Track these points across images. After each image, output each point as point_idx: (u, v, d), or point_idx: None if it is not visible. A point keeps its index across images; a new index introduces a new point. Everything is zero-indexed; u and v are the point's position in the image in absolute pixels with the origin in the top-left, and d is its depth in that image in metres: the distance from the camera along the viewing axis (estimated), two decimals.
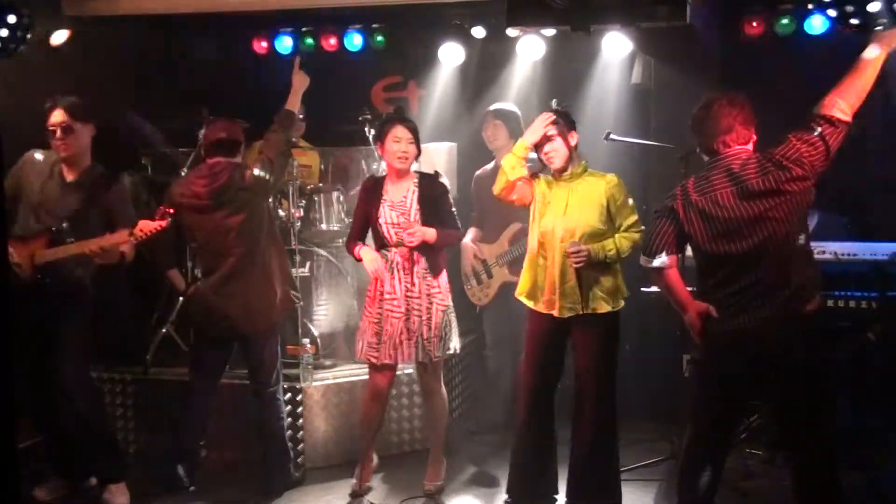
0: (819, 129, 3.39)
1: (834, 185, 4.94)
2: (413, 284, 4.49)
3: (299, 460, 5.04)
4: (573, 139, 4.24)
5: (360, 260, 4.54)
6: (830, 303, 4.56)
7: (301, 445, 5.11)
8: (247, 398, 4.89)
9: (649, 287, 5.26)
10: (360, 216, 4.60)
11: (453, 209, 4.60)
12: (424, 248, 4.49)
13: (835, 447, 3.57)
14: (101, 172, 4.51)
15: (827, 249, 4.65)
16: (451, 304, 4.64)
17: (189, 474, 4.76)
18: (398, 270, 4.49)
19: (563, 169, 4.24)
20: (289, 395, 5.07)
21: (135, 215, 4.67)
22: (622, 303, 4.26)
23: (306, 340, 5.22)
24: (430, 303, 4.51)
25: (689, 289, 3.72)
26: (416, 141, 4.51)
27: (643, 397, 5.49)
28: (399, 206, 4.50)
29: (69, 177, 4.44)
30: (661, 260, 3.62)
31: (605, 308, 4.18)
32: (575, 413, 4.32)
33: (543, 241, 4.23)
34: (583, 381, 4.26)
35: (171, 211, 4.38)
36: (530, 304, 4.31)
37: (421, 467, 4.84)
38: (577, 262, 4.08)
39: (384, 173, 4.70)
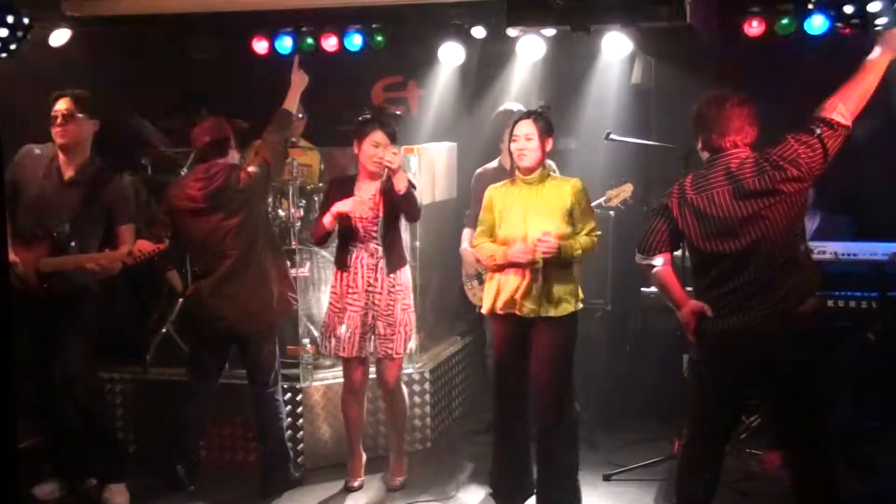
0: (818, 131, 3.38)
1: (835, 184, 4.96)
2: (376, 280, 4.56)
3: (299, 460, 5.04)
4: (549, 145, 4.25)
5: (330, 231, 4.58)
6: (830, 303, 4.56)
7: (301, 445, 5.10)
8: (246, 398, 4.89)
9: (650, 288, 5.26)
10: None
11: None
12: (387, 243, 4.58)
13: (832, 447, 3.58)
14: (99, 168, 4.50)
15: (827, 249, 4.65)
16: (412, 303, 4.70)
17: (189, 474, 4.76)
18: (361, 266, 4.55)
19: (531, 170, 4.24)
20: (289, 395, 5.06)
21: (134, 212, 4.69)
22: (580, 305, 4.26)
23: (306, 340, 5.22)
24: (393, 300, 4.58)
25: (688, 289, 3.72)
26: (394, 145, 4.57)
27: (643, 397, 5.49)
28: (368, 202, 4.57)
29: (67, 173, 4.42)
30: (654, 257, 3.63)
31: (566, 310, 4.18)
32: (536, 417, 4.31)
33: (509, 244, 4.22)
34: (537, 382, 4.25)
35: (169, 234, 4.51)
36: (487, 306, 4.33)
37: (420, 468, 4.85)
38: (545, 252, 4.07)
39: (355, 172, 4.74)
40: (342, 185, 4.66)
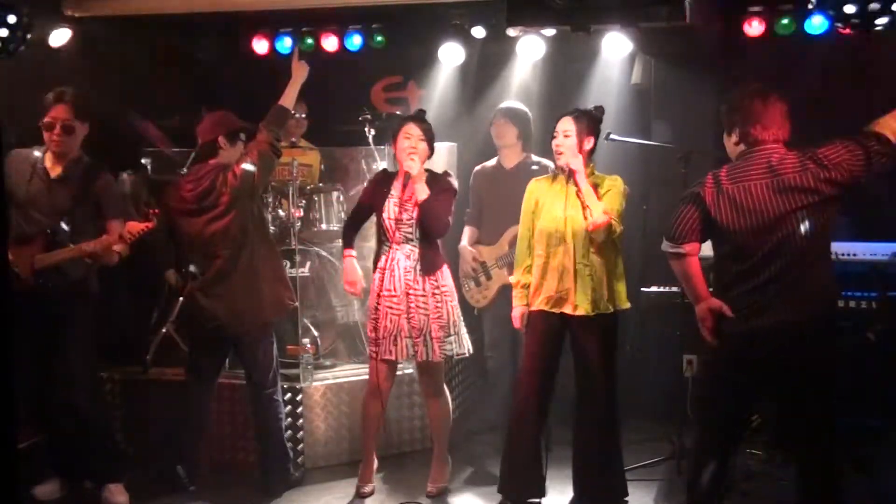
0: (867, 142, 3.41)
1: None
2: (416, 282, 4.49)
3: (299, 460, 5.04)
4: (588, 143, 4.25)
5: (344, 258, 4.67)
6: None
7: (301, 445, 5.10)
8: (246, 398, 4.89)
9: (649, 287, 5.27)
10: (364, 203, 4.67)
11: (450, 206, 4.56)
12: (422, 245, 4.50)
13: (836, 447, 3.57)
14: (86, 164, 4.47)
15: None
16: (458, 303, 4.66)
17: (189, 474, 4.76)
18: (398, 267, 4.50)
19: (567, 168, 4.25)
20: (289, 395, 5.07)
21: (127, 205, 4.68)
22: (626, 305, 4.28)
23: (306, 340, 5.22)
24: (441, 300, 4.51)
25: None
26: (429, 140, 4.52)
27: (643, 397, 5.49)
28: (404, 202, 4.52)
29: (54, 172, 4.39)
30: (683, 246, 3.58)
31: (608, 309, 4.20)
32: (577, 415, 4.31)
33: (546, 240, 4.25)
34: (583, 383, 4.26)
35: (156, 211, 4.42)
36: (528, 304, 4.35)
37: (422, 468, 4.84)
38: (596, 227, 4.09)
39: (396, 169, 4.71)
40: (382, 182, 4.62)
